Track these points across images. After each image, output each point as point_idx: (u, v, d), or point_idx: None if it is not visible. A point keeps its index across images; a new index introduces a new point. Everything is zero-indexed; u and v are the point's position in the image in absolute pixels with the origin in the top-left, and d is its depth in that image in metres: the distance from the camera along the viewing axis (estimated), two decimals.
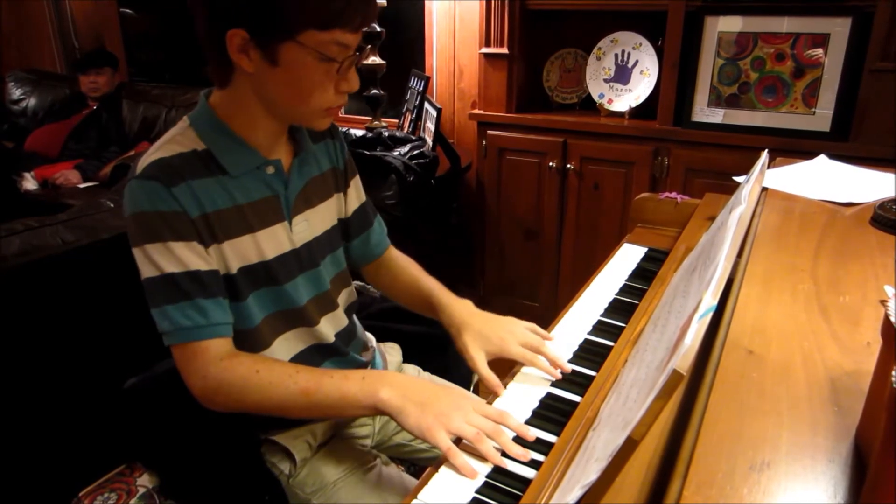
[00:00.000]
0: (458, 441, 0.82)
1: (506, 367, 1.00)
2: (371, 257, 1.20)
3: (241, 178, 0.93)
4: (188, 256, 0.87)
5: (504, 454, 0.81)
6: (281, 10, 0.82)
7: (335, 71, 0.87)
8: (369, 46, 0.88)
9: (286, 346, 1.02)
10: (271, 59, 0.85)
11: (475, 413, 0.84)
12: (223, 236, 0.91)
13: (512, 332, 1.02)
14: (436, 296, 1.10)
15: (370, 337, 1.23)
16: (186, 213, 0.87)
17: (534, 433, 0.84)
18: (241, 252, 0.93)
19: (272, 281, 0.97)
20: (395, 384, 0.87)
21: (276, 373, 0.89)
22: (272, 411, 0.91)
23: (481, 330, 1.02)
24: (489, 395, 0.95)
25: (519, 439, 0.83)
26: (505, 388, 0.96)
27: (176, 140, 0.91)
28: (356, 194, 1.16)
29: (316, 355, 1.05)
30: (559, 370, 0.98)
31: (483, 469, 0.79)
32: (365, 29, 0.90)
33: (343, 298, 1.12)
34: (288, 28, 0.83)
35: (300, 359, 1.03)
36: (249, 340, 0.97)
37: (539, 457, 0.81)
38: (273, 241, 0.97)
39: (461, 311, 1.06)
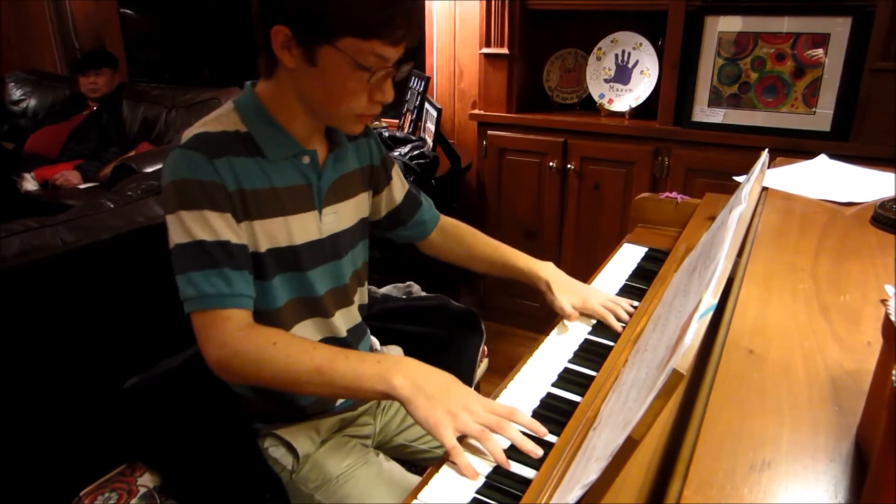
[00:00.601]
0: (460, 439, 0.82)
1: (506, 368, 1.00)
2: (428, 231, 1.28)
3: (279, 163, 0.97)
4: (221, 227, 0.90)
5: (510, 455, 0.81)
6: (324, 14, 0.85)
7: (368, 81, 0.90)
8: (412, 62, 0.90)
9: (303, 333, 1.04)
10: (310, 59, 0.88)
11: (484, 411, 0.84)
12: (256, 214, 0.94)
13: (595, 293, 1.16)
14: (520, 258, 1.23)
15: (374, 340, 1.24)
16: (224, 186, 0.90)
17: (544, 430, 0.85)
18: (271, 233, 0.96)
19: (296, 266, 1.00)
20: (410, 372, 0.86)
21: (294, 347, 0.89)
22: (285, 386, 0.91)
23: (569, 285, 1.18)
24: (491, 393, 0.95)
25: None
26: (505, 388, 0.96)
27: (220, 120, 0.95)
28: (400, 181, 1.23)
29: None
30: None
31: (484, 469, 0.79)
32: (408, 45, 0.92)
33: (357, 296, 1.15)
34: (328, 32, 0.86)
35: None
36: (271, 322, 0.99)
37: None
38: (303, 228, 1.00)
39: (549, 270, 1.21)
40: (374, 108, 0.95)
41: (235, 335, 0.88)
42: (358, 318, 1.15)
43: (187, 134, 0.93)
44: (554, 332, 1.11)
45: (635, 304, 1.15)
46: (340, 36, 0.85)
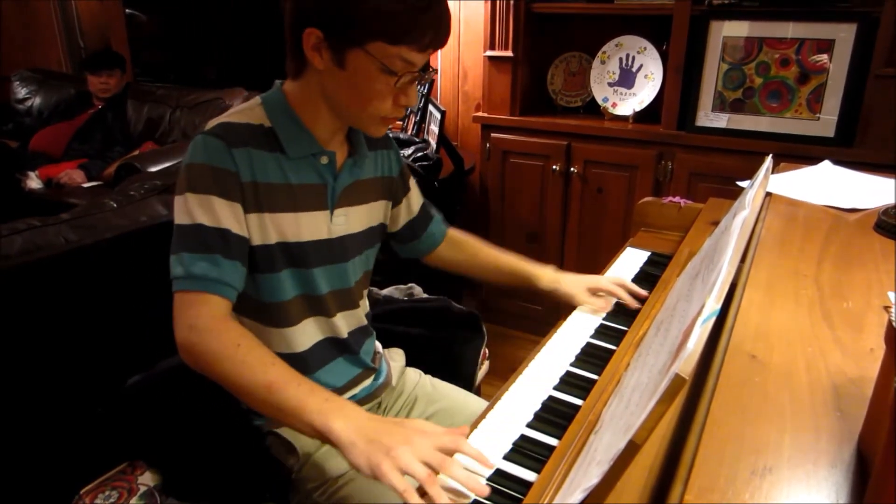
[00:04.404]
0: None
1: (507, 371, 1.00)
2: (437, 243, 1.31)
3: (297, 160, 0.99)
4: (225, 215, 0.91)
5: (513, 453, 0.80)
6: (356, 18, 0.87)
7: (394, 84, 0.92)
8: (434, 70, 0.94)
9: (309, 329, 1.05)
10: (339, 61, 0.91)
11: (428, 447, 0.78)
12: (268, 207, 0.96)
13: (602, 277, 1.25)
14: (525, 265, 1.29)
15: (377, 345, 1.24)
16: (238, 175, 0.93)
17: (495, 462, 0.81)
18: (280, 227, 0.98)
19: (302, 263, 1.01)
20: (352, 418, 0.81)
21: (254, 355, 0.86)
22: (234, 391, 0.87)
23: (574, 278, 1.25)
24: (493, 395, 0.95)
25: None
26: (506, 391, 0.96)
27: (245, 113, 0.98)
28: (417, 193, 1.26)
29: (331, 348, 1.08)
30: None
31: (484, 471, 0.79)
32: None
33: (364, 302, 1.16)
34: (359, 36, 0.88)
35: (318, 347, 1.06)
36: (280, 314, 1.01)
37: (541, 459, 0.81)
38: (312, 226, 1.01)
39: (553, 272, 1.27)
40: (397, 112, 0.97)
41: (207, 322, 0.87)
42: (363, 322, 1.15)
43: (212, 122, 0.95)
44: (556, 335, 1.11)
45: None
46: (371, 40, 0.88)
